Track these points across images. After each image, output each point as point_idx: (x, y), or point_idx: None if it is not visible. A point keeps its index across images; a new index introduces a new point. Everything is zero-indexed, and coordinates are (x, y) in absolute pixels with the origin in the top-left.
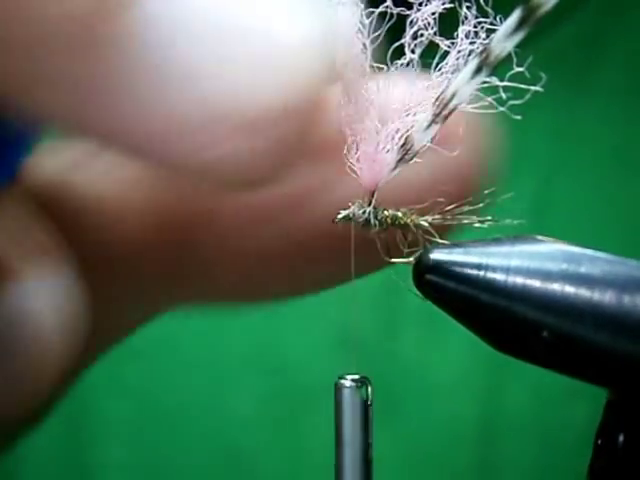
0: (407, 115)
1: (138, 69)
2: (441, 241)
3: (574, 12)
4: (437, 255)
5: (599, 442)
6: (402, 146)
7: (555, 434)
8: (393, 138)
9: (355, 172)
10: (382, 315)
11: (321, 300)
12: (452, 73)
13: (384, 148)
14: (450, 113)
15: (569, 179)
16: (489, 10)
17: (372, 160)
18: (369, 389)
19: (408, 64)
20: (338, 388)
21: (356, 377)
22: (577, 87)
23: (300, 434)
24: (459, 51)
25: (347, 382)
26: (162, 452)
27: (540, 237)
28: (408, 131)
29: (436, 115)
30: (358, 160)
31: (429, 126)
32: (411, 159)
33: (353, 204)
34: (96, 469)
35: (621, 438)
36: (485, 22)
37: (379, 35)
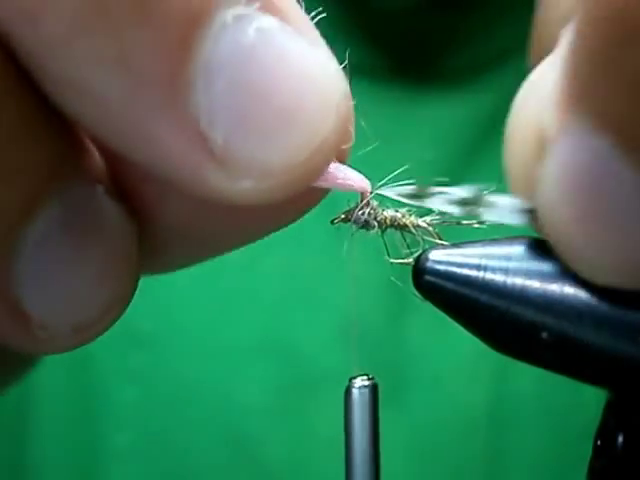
0: None
1: None
2: (440, 242)
3: None
4: (436, 256)
5: (599, 442)
6: None
7: (564, 419)
8: None
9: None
10: (389, 301)
11: (328, 289)
12: None
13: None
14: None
15: None
16: None
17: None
18: (378, 392)
19: None
20: (349, 391)
21: (366, 380)
22: None
23: (307, 423)
24: None
25: (358, 384)
26: (169, 439)
27: (540, 237)
28: None
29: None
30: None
31: None
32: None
33: (352, 205)
34: (104, 455)
35: (621, 438)
36: None
37: None
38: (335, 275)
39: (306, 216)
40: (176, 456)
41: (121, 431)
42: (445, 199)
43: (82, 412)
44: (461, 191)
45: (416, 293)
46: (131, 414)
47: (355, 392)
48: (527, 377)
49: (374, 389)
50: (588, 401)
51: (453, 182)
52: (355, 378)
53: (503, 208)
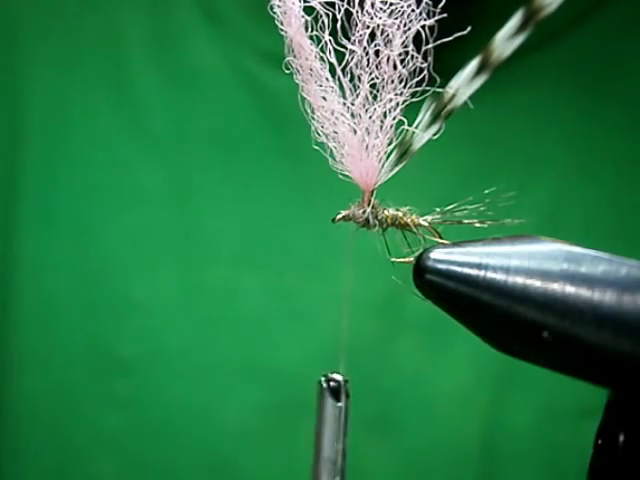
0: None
1: None
2: (441, 241)
3: (589, 21)
4: (437, 255)
5: (599, 442)
6: (401, 145)
7: (561, 454)
8: (377, 136)
9: (350, 173)
10: (382, 327)
11: (312, 309)
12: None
13: (371, 147)
14: (451, 112)
15: (585, 183)
16: None
17: (360, 160)
18: (343, 390)
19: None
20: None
21: (336, 377)
22: (594, 94)
23: (292, 446)
24: None
25: (323, 382)
26: (152, 464)
27: (540, 237)
28: (408, 130)
29: (437, 114)
30: (347, 162)
31: (429, 125)
32: (410, 157)
33: (353, 204)
34: None
35: (621, 438)
36: None
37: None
38: (318, 295)
39: (289, 235)
40: None
41: (105, 457)
42: None
43: (63, 439)
44: None
45: (417, 292)
46: (112, 440)
47: (322, 388)
48: (524, 410)
49: (342, 386)
50: (587, 436)
51: (466, 184)
52: (327, 375)
53: None
